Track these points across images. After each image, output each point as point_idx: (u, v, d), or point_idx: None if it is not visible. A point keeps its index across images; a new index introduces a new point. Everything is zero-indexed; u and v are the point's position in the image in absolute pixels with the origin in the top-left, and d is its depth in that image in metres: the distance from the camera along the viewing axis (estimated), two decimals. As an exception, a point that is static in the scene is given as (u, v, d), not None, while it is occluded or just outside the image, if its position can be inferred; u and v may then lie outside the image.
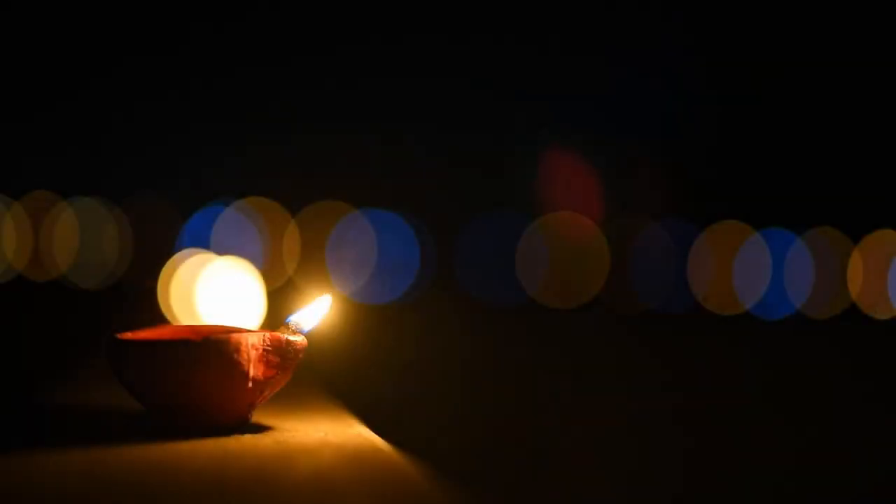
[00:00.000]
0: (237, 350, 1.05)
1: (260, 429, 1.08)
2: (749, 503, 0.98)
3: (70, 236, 6.20)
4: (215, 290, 3.03)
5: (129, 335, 1.09)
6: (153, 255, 5.47)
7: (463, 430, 1.27)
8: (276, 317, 1.19)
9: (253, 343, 1.06)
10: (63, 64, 6.45)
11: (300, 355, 1.09)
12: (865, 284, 5.66)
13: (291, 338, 1.09)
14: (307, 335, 1.11)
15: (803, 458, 1.18)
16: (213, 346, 1.05)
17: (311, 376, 1.40)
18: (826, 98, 6.31)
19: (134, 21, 6.38)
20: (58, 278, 5.86)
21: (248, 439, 1.04)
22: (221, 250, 5.24)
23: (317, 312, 1.15)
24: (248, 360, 1.06)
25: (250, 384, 1.06)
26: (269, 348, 1.07)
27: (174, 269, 3.45)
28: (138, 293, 4.10)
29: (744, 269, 5.81)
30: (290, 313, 1.14)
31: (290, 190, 6.03)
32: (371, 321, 3.33)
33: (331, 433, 1.08)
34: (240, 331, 1.08)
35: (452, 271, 5.91)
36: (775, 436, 1.33)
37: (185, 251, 5.37)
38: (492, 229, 6.11)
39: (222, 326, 1.13)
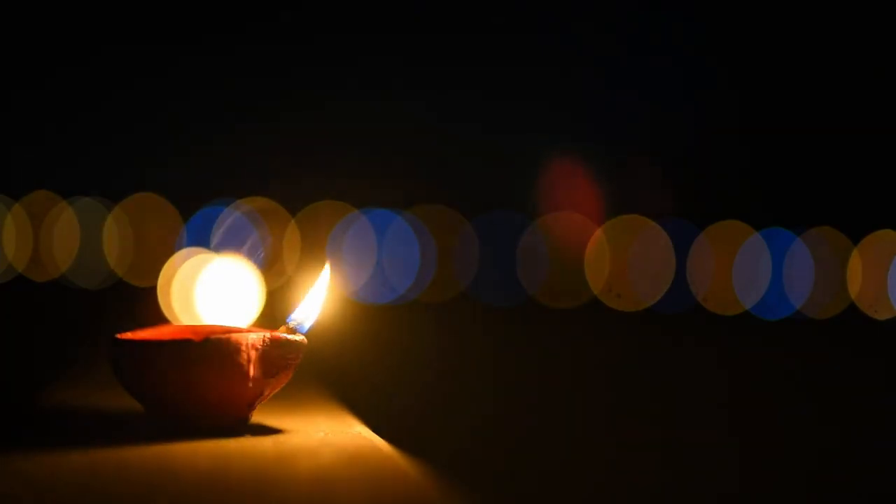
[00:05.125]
0: (237, 350, 1.05)
1: (260, 429, 1.08)
2: (765, 502, 0.98)
3: (70, 236, 6.20)
4: (215, 290, 3.02)
5: (129, 335, 1.09)
6: (153, 255, 5.48)
7: (463, 431, 1.27)
8: (275, 317, 1.19)
9: (253, 343, 1.06)
10: (64, 65, 6.45)
11: (300, 355, 1.09)
12: (865, 284, 5.66)
13: (291, 338, 1.09)
14: (307, 335, 1.11)
15: (813, 460, 1.18)
16: (213, 346, 1.05)
17: (311, 376, 1.40)
18: (826, 98, 6.31)
19: (134, 22, 6.38)
20: (58, 278, 5.86)
21: (248, 439, 1.04)
22: (221, 250, 5.24)
23: (319, 291, 1.14)
24: (248, 360, 1.06)
25: (250, 384, 1.06)
26: (269, 348, 1.07)
27: (174, 269, 3.45)
28: (138, 293, 4.10)
29: (744, 269, 5.81)
30: (290, 311, 1.14)
31: (290, 190, 6.03)
32: (371, 321, 3.33)
33: (331, 433, 1.08)
34: (240, 331, 1.08)
35: (452, 271, 5.91)
36: (782, 436, 1.33)
37: (185, 251, 5.38)
38: (492, 229, 6.11)
39: (222, 326, 1.13)
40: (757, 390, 1.86)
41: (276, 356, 1.07)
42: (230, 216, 6.13)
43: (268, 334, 1.07)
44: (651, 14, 6.47)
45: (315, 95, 6.42)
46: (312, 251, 5.86)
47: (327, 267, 1.16)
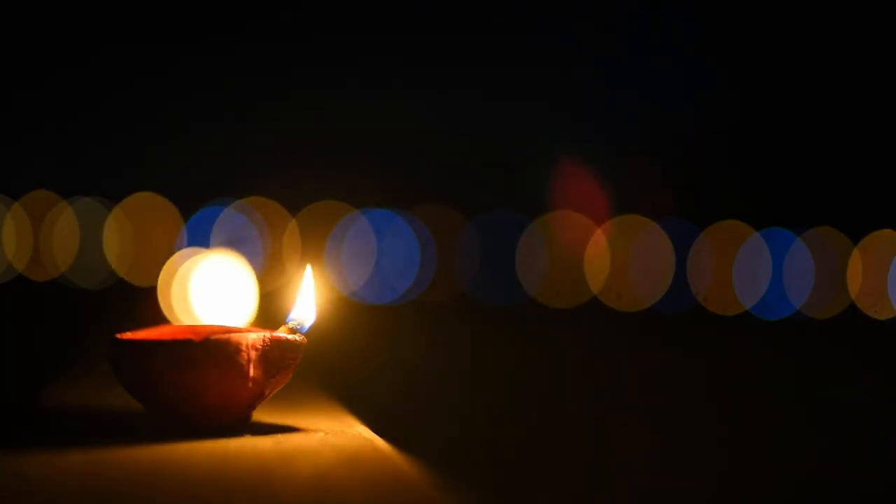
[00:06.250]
0: (237, 350, 1.05)
1: (260, 429, 1.08)
2: (766, 502, 0.98)
3: (70, 236, 6.20)
4: (214, 290, 3.02)
5: (128, 335, 1.09)
6: (153, 255, 5.48)
7: (463, 430, 1.27)
8: (275, 316, 1.19)
9: (253, 343, 1.06)
10: (64, 65, 6.45)
11: (300, 355, 1.09)
12: (865, 284, 5.66)
13: (291, 338, 1.09)
14: (307, 335, 1.11)
15: (812, 460, 1.18)
16: (213, 346, 1.05)
17: (311, 376, 1.40)
18: (826, 98, 6.31)
19: (134, 22, 6.38)
20: (58, 278, 5.86)
21: (248, 439, 1.04)
22: (221, 249, 5.24)
23: (308, 293, 1.14)
24: (248, 360, 1.06)
25: (250, 384, 1.06)
26: (269, 348, 1.07)
27: (174, 269, 3.45)
28: (138, 293, 4.10)
29: (744, 269, 5.81)
30: (289, 312, 1.14)
31: (290, 190, 6.03)
32: (371, 321, 3.33)
33: (331, 433, 1.08)
34: (240, 331, 1.08)
35: (452, 271, 5.91)
36: (782, 436, 1.33)
37: (185, 251, 5.38)
38: (492, 229, 6.11)
39: (222, 326, 1.13)
40: (756, 390, 1.86)
41: (276, 356, 1.07)
42: (230, 216, 6.13)
43: (268, 334, 1.07)
44: (651, 14, 6.47)
45: (315, 95, 6.42)
46: (312, 251, 5.86)
47: (308, 269, 1.16)
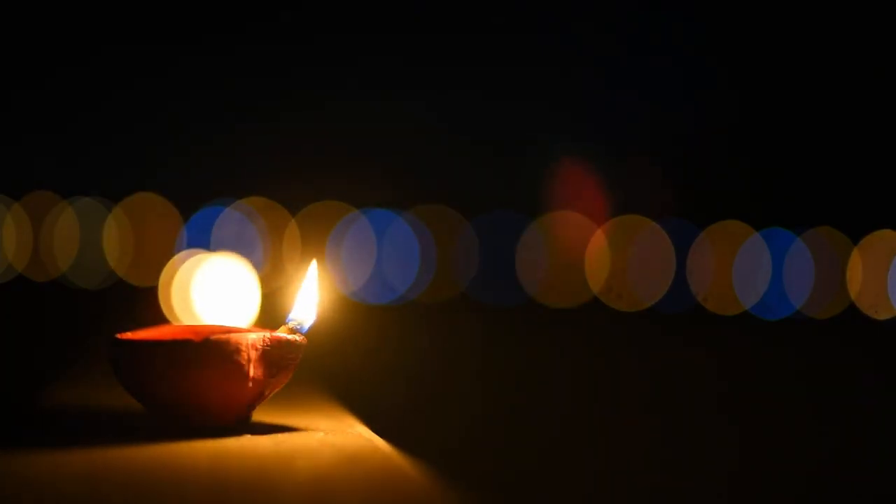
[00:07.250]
0: (237, 350, 1.05)
1: (260, 429, 1.08)
2: (767, 501, 0.98)
3: (70, 236, 6.20)
4: (214, 290, 3.02)
5: (128, 335, 1.09)
6: (153, 255, 5.48)
7: (463, 430, 1.27)
8: (275, 316, 1.19)
9: (253, 343, 1.06)
10: (64, 65, 6.45)
11: (300, 355, 1.09)
12: (865, 284, 5.67)
13: (291, 338, 1.09)
14: (307, 335, 1.11)
15: (813, 460, 1.18)
16: (213, 346, 1.05)
17: (311, 376, 1.39)
18: (826, 98, 6.31)
19: (134, 22, 6.38)
20: (58, 278, 5.86)
21: (248, 439, 1.04)
22: (221, 249, 5.25)
23: (311, 289, 1.14)
24: (248, 360, 1.06)
25: (250, 384, 1.06)
26: (269, 348, 1.07)
27: (174, 269, 3.45)
28: (138, 293, 4.10)
29: (744, 269, 5.81)
30: (290, 311, 1.14)
31: (290, 190, 6.03)
32: (371, 321, 3.33)
33: (331, 433, 1.08)
34: (240, 331, 1.08)
35: (452, 271, 5.91)
36: (782, 436, 1.33)
37: (185, 251, 5.38)
38: (492, 229, 6.11)
39: (222, 326, 1.13)
40: (756, 390, 1.86)
41: (276, 356, 1.07)
42: (230, 216, 6.13)
43: (268, 334, 1.07)
44: (651, 14, 6.47)
45: (315, 95, 6.42)
46: (312, 251, 5.86)
47: (314, 264, 1.16)
